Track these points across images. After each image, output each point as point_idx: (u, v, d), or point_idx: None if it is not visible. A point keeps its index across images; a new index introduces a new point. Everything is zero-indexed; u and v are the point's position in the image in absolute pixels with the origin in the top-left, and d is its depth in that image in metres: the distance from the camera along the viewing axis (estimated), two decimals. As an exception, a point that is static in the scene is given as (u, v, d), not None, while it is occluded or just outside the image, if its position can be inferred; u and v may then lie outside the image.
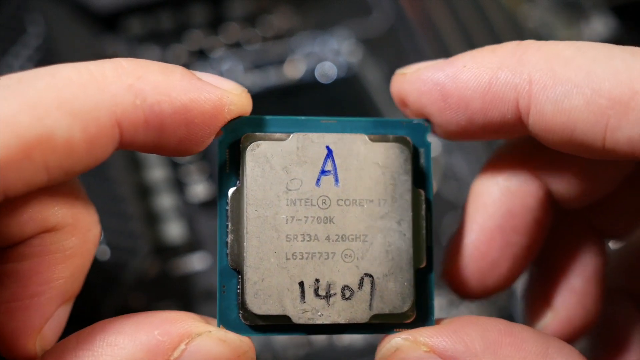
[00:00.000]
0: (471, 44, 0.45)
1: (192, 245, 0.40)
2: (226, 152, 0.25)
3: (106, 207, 0.37)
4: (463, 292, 0.28)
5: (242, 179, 0.25)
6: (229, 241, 0.25)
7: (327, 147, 0.25)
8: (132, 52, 0.45)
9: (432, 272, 0.26)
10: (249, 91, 0.26)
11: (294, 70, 0.45)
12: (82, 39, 0.42)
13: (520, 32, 0.46)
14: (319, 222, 0.25)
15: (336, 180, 0.25)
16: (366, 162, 0.25)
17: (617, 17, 0.46)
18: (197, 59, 0.45)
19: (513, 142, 0.28)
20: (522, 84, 0.24)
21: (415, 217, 0.25)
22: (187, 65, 0.44)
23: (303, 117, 0.26)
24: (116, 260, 0.36)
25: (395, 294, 0.25)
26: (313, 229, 0.25)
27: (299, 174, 0.25)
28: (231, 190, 0.25)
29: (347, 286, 0.25)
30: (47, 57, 0.40)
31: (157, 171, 0.41)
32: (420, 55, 0.46)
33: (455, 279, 0.28)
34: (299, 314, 0.24)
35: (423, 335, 0.24)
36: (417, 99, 0.26)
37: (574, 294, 0.29)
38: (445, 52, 0.45)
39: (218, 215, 0.25)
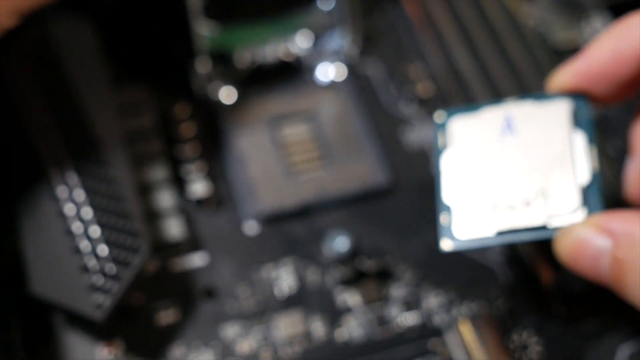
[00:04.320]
0: (471, 42, 0.45)
1: (192, 243, 0.40)
2: (439, 133, 0.36)
3: (106, 206, 0.37)
4: None
5: (447, 143, 0.36)
6: (441, 184, 0.35)
7: (505, 118, 0.36)
8: (130, 49, 0.45)
9: (598, 185, 0.33)
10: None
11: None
12: (82, 33, 0.42)
13: (520, 30, 0.46)
14: (501, 162, 0.35)
15: (512, 132, 0.35)
16: (536, 118, 0.35)
17: (615, 16, 0.46)
18: (198, 59, 0.45)
19: None
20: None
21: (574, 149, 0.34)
22: (182, 65, 0.45)
23: (491, 102, 0.37)
24: (116, 258, 0.36)
25: (564, 199, 0.33)
26: (499, 163, 0.35)
27: (486, 135, 0.36)
28: (443, 155, 0.36)
29: (526, 198, 0.34)
30: (46, 50, 0.40)
31: (156, 169, 0.41)
32: (420, 53, 0.46)
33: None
34: (491, 225, 0.34)
35: (595, 218, 0.32)
36: (581, 87, 0.36)
37: None
38: (445, 50, 0.45)
39: (435, 172, 0.36)
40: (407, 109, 0.44)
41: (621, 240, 0.31)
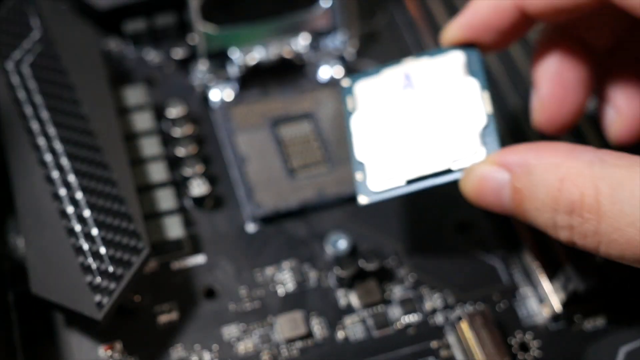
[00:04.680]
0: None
1: (192, 243, 0.40)
2: (348, 98, 0.39)
3: (106, 206, 0.37)
4: (555, 129, 0.38)
5: (356, 106, 0.38)
6: (353, 144, 0.37)
7: (405, 75, 0.38)
8: (130, 49, 0.45)
9: (494, 126, 0.36)
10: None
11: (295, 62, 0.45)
12: (82, 35, 0.42)
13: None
14: (405, 116, 0.37)
15: (413, 87, 0.38)
16: (433, 72, 0.38)
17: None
18: (197, 59, 0.45)
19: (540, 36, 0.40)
20: None
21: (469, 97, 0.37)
22: (183, 65, 0.45)
23: (391, 63, 0.39)
24: (116, 258, 0.36)
25: (465, 142, 0.36)
26: (404, 118, 0.37)
27: (389, 94, 0.38)
28: (352, 116, 0.38)
29: (430, 146, 0.36)
30: (46, 52, 0.40)
31: (156, 170, 0.41)
32: (420, 50, 0.46)
33: (546, 121, 0.38)
34: (401, 175, 0.36)
35: (493, 155, 0.34)
36: (469, 37, 0.38)
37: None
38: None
39: (347, 133, 0.38)
40: (407, 109, 0.44)
41: (517, 171, 0.33)
